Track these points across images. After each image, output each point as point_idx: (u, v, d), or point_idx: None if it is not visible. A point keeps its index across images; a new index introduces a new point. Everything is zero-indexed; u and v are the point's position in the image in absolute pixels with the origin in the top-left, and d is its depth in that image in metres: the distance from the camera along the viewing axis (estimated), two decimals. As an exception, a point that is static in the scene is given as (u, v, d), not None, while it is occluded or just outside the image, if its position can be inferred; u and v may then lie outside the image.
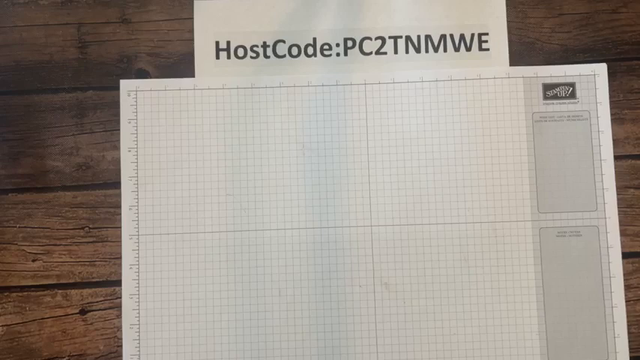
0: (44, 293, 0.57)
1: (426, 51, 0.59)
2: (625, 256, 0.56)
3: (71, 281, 0.57)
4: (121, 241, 0.57)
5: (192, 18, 0.59)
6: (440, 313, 0.56)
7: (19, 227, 0.57)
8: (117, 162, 0.58)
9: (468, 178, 0.57)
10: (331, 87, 0.58)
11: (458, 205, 0.57)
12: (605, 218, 0.57)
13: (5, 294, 0.57)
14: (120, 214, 0.57)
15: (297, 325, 0.56)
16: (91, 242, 0.57)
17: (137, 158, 0.57)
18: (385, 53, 0.59)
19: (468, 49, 0.59)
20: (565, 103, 0.58)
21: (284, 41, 0.59)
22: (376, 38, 0.59)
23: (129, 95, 0.58)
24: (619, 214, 0.57)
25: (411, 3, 0.59)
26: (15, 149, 0.58)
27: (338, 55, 0.59)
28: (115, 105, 0.58)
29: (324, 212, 0.57)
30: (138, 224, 0.57)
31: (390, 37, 0.59)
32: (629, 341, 0.55)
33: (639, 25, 0.59)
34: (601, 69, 0.58)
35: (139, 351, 0.56)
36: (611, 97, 0.58)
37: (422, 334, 0.56)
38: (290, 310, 0.56)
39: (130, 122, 0.58)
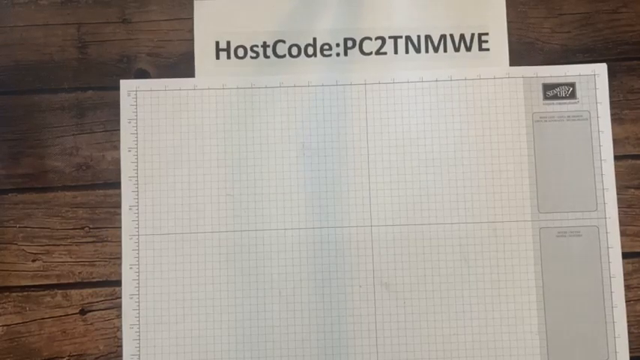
0: (44, 293, 0.57)
1: (426, 51, 0.59)
2: (625, 256, 0.56)
3: (71, 281, 0.57)
4: (121, 241, 0.57)
5: (192, 18, 0.59)
6: (440, 313, 0.56)
7: (19, 227, 0.57)
8: (117, 162, 0.58)
9: (468, 178, 0.57)
10: (331, 87, 0.58)
11: (458, 205, 0.57)
12: (605, 218, 0.57)
13: (5, 294, 0.57)
14: (120, 214, 0.57)
15: (297, 325, 0.56)
16: (91, 242, 0.57)
17: (137, 158, 0.57)
18: (385, 53, 0.59)
19: (468, 49, 0.59)
20: (565, 103, 0.58)
21: (284, 41, 0.59)
22: (376, 38, 0.59)
23: (129, 95, 0.58)
24: (619, 214, 0.57)
25: (411, 3, 0.59)
26: (15, 149, 0.58)
27: (338, 55, 0.59)
28: (115, 105, 0.58)
29: (324, 212, 0.57)
30: (138, 224, 0.57)
31: (390, 37, 0.59)
32: (629, 341, 0.55)
33: (639, 25, 0.59)
34: (601, 69, 0.58)
35: (139, 351, 0.56)
36: (611, 97, 0.58)
37: (422, 334, 0.56)
38: (290, 310, 0.56)
39: (130, 122, 0.58)
